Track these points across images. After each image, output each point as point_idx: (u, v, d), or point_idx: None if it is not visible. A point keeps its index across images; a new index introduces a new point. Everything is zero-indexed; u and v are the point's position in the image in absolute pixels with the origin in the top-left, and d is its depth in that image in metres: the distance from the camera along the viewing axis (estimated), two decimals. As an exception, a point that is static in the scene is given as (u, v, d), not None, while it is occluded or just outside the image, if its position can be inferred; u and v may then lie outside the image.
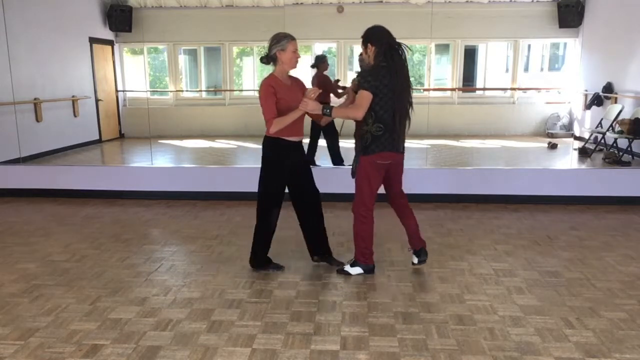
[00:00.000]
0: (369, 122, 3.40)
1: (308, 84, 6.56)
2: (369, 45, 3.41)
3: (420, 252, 3.74)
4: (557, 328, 2.95)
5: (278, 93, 3.44)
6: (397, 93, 3.36)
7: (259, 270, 3.78)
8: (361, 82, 3.36)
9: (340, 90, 6.85)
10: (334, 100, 6.66)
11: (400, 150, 3.51)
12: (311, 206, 3.78)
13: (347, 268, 3.73)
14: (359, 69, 6.11)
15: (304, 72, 6.73)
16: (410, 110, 3.49)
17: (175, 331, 2.93)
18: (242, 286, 3.55)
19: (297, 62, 3.53)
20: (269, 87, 3.44)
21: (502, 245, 4.34)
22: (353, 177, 3.59)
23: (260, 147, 3.60)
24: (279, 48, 3.44)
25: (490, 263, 3.95)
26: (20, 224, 5.08)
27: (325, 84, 6.34)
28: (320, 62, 6.55)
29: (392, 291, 3.45)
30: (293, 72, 3.63)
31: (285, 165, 3.58)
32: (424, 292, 3.44)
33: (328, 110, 3.43)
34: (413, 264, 3.80)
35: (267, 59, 3.53)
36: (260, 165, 3.60)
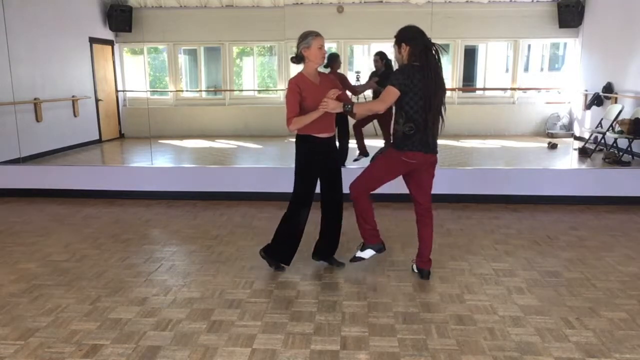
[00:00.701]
0: (399, 122, 3.40)
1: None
2: (404, 45, 3.39)
3: (422, 272, 3.70)
4: (557, 328, 2.95)
5: (304, 92, 3.47)
6: (431, 93, 3.33)
7: (268, 261, 3.78)
8: (391, 78, 3.35)
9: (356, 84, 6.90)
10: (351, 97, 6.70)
11: (430, 150, 3.46)
12: (331, 207, 3.76)
13: (359, 254, 3.70)
14: (358, 70, 6.11)
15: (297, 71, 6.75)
16: (443, 111, 3.46)
17: (175, 331, 2.93)
18: (242, 286, 3.55)
19: (323, 57, 3.56)
20: (294, 86, 3.48)
21: (502, 245, 4.34)
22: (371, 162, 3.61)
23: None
24: (304, 45, 3.48)
25: (490, 263, 3.95)
26: (20, 224, 5.08)
27: (341, 83, 6.33)
28: (332, 62, 6.53)
29: (392, 291, 3.45)
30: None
31: (314, 162, 3.59)
32: (424, 292, 3.44)
33: (349, 107, 3.43)
34: (413, 271, 3.79)
35: (296, 59, 3.56)
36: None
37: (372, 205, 3.62)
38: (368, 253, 3.69)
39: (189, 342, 2.82)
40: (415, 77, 3.29)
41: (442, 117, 3.46)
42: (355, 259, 3.73)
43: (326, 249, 3.87)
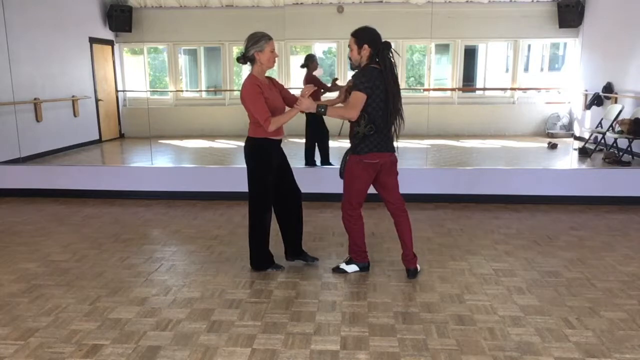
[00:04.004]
0: (361, 124, 3.41)
1: (297, 84, 6.59)
2: (366, 46, 3.38)
3: (409, 271, 3.71)
4: (557, 328, 2.95)
5: (264, 92, 3.44)
6: (391, 95, 3.38)
7: (259, 271, 3.78)
8: (356, 83, 3.34)
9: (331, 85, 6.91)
10: (326, 95, 6.69)
11: (390, 149, 3.52)
12: (294, 205, 3.80)
13: (343, 266, 3.75)
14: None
15: (297, 72, 6.76)
16: (402, 112, 3.50)
17: (175, 331, 2.93)
18: (242, 286, 3.55)
19: (275, 61, 3.52)
20: (255, 87, 3.42)
21: (502, 245, 4.34)
22: (341, 177, 3.61)
23: None
24: (257, 49, 3.42)
25: (490, 263, 3.95)
26: (20, 224, 5.08)
27: (314, 84, 6.41)
28: (309, 62, 6.57)
29: (392, 291, 3.45)
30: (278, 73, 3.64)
31: (273, 164, 3.60)
32: (424, 292, 3.44)
33: (323, 110, 3.40)
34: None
35: (244, 59, 3.50)
36: (246, 168, 3.61)
37: (363, 227, 3.67)
38: (352, 268, 3.74)
39: (189, 342, 2.82)
40: (378, 79, 3.33)
41: (402, 117, 3.50)
42: (338, 270, 3.76)
43: (297, 245, 3.88)
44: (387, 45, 3.38)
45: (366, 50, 3.38)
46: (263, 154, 3.56)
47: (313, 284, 3.59)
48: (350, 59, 3.51)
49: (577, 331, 2.91)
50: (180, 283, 3.61)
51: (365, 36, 3.40)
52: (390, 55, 3.38)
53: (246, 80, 3.49)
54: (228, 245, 4.40)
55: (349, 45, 3.46)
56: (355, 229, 3.63)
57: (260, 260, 3.76)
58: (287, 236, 3.86)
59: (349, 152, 3.53)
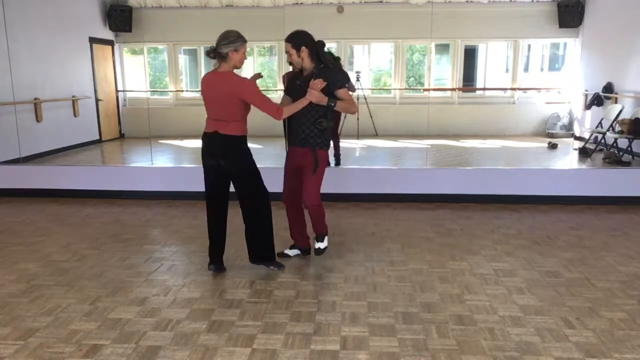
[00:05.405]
0: (329, 118, 3.62)
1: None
2: (303, 48, 3.55)
3: (308, 250, 4.03)
4: (557, 328, 2.95)
5: None
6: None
7: (279, 267, 3.81)
8: (343, 81, 3.59)
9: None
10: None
11: None
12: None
13: (320, 245, 3.85)
14: (358, 70, 6.16)
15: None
16: None
17: (175, 331, 2.93)
18: (242, 286, 3.55)
19: (243, 63, 3.58)
20: (254, 81, 3.57)
21: (502, 245, 4.34)
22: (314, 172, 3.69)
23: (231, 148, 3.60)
24: (232, 48, 3.43)
25: (490, 263, 3.95)
26: (20, 224, 5.07)
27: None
28: None
29: (392, 291, 3.45)
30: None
31: None
32: (424, 292, 3.44)
33: (333, 104, 3.53)
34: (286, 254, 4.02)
35: (214, 54, 3.50)
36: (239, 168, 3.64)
37: None
38: (326, 242, 3.87)
39: (189, 342, 2.82)
40: None
41: None
42: (320, 251, 3.85)
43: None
44: (322, 44, 3.58)
45: (304, 52, 3.56)
46: (248, 150, 3.64)
47: (313, 284, 3.59)
48: (290, 63, 3.68)
49: (577, 331, 2.91)
50: (180, 283, 3.61)
51: (299, 39, 3.58)
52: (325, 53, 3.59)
53: (234, 75, 3.50)
54: (228, 245, 4.37)
55: (286, 51, 3.61)
56: (323, 214, 3.77)
57: (274, 253, 3.82)
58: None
59: (320, 147, 3.65)
